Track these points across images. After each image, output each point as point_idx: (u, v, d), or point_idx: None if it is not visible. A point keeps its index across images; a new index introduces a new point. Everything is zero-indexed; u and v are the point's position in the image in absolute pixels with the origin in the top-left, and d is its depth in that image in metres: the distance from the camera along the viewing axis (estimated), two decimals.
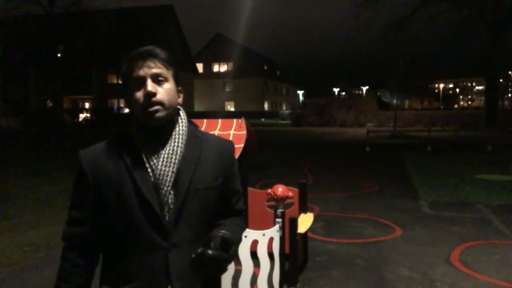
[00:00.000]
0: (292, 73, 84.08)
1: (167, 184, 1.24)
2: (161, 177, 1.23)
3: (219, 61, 59.01)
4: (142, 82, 1.23)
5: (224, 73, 58.97)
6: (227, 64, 59.30)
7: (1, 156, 13.41)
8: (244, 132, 3.34)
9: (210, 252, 1.12)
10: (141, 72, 1.23)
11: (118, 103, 38.49)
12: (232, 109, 58.02)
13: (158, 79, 1.24)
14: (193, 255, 1.13)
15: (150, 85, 1.22)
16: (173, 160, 1.25)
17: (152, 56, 1.25)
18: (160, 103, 1.23)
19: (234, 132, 3.35)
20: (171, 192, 1.24)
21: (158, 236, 1.22)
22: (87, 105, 39.98)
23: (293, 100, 75.54)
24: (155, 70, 1.24)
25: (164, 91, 1.24)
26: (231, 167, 1.38)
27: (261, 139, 4.95)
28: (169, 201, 1.24)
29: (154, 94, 1.22)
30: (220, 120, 3.49)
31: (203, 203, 1.28)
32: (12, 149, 15.92)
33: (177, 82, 1.31)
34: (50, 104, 36.37)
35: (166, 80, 1.26)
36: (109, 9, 33.84)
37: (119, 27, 34.61)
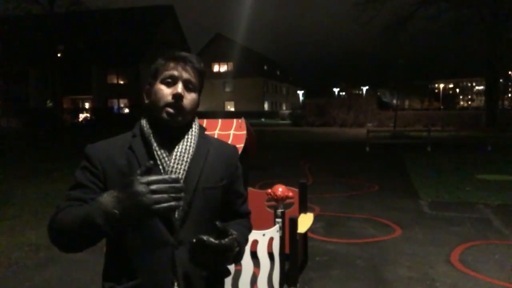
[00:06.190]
0: (292, 73, 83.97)
1: None
2: (172, 174, 1.24)
3: (219, 61, 58.93)
4: (173, 81, 1.28)
5: (224, 73, 58.88)
6: (227, 64, 59.24)
7: (1, 156, 13.40)
8: (244, 132, 3.33)
9: (204, 238, 1.11)
10: (176, 73, 1.28)
11: (118, 103, 38.50)
12: (232, 109, 57.98)
13: (188, 86, 1.29)
14: (190, 244, 1.13)
15: (181, 88, 1.27)
16: (185, 159, 1.27)
17: (190, 63, 1.30)
18: (183, 107, 1.27)
19: (234, 132, 3.34)
20: None
21: (167, 232, 1.22)
22: (87, 105, 39.97)
23: (293, 100, 75.40)
24: (188, 76, 1.29)
25: (190, 99, 1.30)
26: (235, 170, 1.42)
27: (261, 139, 4.96)
28: None
29: (182, 98, 1.26)
30: (220, 120, 3.47)
31: (208, 202, 1.30)
32: (12, 149, 15.91)
33: (200, 94, 1.37)
34: (50, 104, 36.35)
35: (194, 89, 1.31)
36: (109, 9, 33.77)
37: (119, 27, 34.58)
